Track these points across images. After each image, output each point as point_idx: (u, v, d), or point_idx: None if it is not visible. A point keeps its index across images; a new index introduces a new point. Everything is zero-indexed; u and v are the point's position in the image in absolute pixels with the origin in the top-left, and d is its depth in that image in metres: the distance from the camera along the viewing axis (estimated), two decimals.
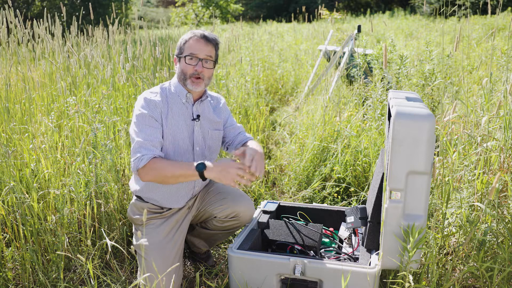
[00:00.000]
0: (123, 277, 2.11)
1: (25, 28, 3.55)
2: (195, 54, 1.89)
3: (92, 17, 3.54)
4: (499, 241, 1.89)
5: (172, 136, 1.91)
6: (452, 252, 2.02)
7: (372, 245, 1.89)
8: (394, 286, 1.67)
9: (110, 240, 2.13)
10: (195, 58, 1.89)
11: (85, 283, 2.10)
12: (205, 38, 1.91)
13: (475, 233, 1.91)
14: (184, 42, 1.92)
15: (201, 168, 1.74)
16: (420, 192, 1.57)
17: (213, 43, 1.93)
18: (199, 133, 1.99)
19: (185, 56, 1.90)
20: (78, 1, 14.39)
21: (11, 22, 3.38)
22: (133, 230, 2.05)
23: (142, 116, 1.85)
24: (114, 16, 4.02)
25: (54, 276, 2.06)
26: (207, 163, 1.76)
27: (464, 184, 2.18)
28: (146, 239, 1.90)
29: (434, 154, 1.73)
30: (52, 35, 4.73)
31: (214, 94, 2.15)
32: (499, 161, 2.14)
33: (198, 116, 1.98)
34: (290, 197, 3.04)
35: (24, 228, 2.07)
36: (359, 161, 3.00)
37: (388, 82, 3.40)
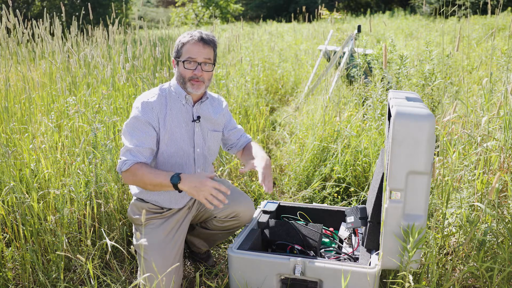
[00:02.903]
0: (123, 277, 2.11)
1: (25, 28, 3.55)
2: (193, 58, 1.87)
3: (91, 17, 3.53)
4: (499, 241, 1.89)
5: (171, 137, 1.91)
6: (452, 252, 2.02)
7: (372, 245, 1.89)
8: (394, 286, 1.67)
9: (110, 240, 2.13)
10: (193, 63, 1.87)
11: (85, 283, 2.10)
12: (202, 40, 1.87)
13: (475, 233, 1.91)
14: (181, 45, 1.89)
15: (175, 181, 1.72)
16: (420, 192, 1.57)
17: (211, 44, 1.90)
18: (199, 134, 1.99)
19: (183, 61, 1.88)
20: (78, 1, 14.39)
21: (9, 21, 3.38)
22: (133, 230, 2.05)
23: (136, 120, 1.85)
24: (114, 16, 4.02)
25: (54, 276, 2.06)
26: (183, 175, 1.73)
27: (464, 184, 2.18)
28: (146, 239, 1.90)
29: (434, 154, 1.73)
30: (52, 35, 4.73)
31: (214, 95, 2.15)
32: (499, 161, 2.14)
33: (199, 117, 1.98)
34: (290, 197, 3.04)
35: (24, 228, 2.07)
36: (359, 161, 3.00)
37: (388, 82, 3.40)
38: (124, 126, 1.89)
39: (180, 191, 1.75)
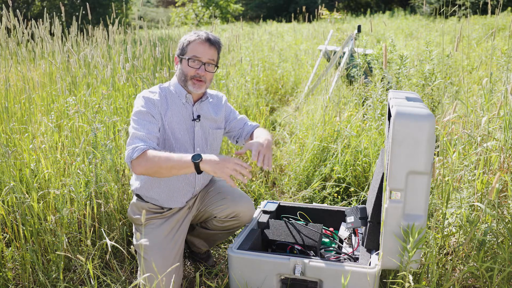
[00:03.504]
0: (123, 277, 2.11)
1: (25, 28, 3.55)
2: (198, 58, 1.88)
3: (90, 17, 3.53)
4: (499, 241, 1.89)
5: (171, 135, 1.91)
6: (452, 252, 2.02)
7: (372, 245, 1.89)
8: (394, 286, 1.67)
9: (110, 240, 2.13)
10: (198, 62, 1.88)
11: (85, 283, 2.10)
12: (209, 41, 1.89)
13: (475, 233, 1.91)
14: (187, 43, 1.90)
15: (197, 159, 1.67)
16: (420, 192, 1.57)
17: (216, 46, 1.92)
18: (200, 133, 1.99)
19: (188, 59, 1.89)
20: (78, 1, 14.39)
21: (9, 21, 3.38)
22: (133, 230, 2.05)
23: (141, 112, 1.85)
24: (114, 16, 4.02)
25: (54, 276, 2.06)
26: (204, 155, 1.70)
27: (464, 184, 2.18)
28: (147, 239, 1.90)
29: (434, 154, 1.73)
30: (52, 35, 4.73)
31: (213, 93, 2.15)
32: (499, 161, 2.14)
33: (199, 116, 1.98)
34: (290, 197, 3.04)
35: (24, 228, 2.07)
36: (359, 161, 3.00)
37: (388, 82, 3.40)
38: (130, 126, 1.87)
39: (199, 172, 1.69)
